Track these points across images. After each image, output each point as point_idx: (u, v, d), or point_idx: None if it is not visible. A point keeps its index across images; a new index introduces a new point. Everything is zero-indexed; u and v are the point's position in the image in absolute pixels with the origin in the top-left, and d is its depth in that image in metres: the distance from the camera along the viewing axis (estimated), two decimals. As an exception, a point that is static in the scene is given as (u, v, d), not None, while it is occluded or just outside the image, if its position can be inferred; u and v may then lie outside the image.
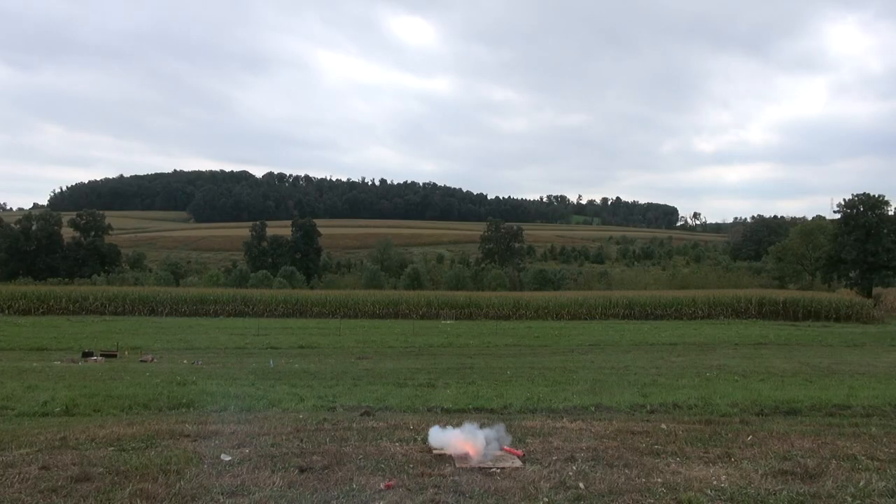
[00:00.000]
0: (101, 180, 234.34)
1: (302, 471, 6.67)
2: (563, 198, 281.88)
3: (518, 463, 6.99)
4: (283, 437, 8.34)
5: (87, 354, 21.85)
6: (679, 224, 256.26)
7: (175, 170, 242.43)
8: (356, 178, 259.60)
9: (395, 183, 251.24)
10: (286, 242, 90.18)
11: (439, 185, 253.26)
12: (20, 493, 5.93)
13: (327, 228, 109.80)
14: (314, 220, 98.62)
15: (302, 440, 8.21)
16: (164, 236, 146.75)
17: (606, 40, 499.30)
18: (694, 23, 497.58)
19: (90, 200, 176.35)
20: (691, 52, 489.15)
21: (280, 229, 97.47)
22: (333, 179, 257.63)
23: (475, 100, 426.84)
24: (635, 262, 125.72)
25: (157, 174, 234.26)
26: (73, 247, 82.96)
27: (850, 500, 5.99)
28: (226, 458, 7.15)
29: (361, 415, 10.36)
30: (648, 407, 11.33)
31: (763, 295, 52.84)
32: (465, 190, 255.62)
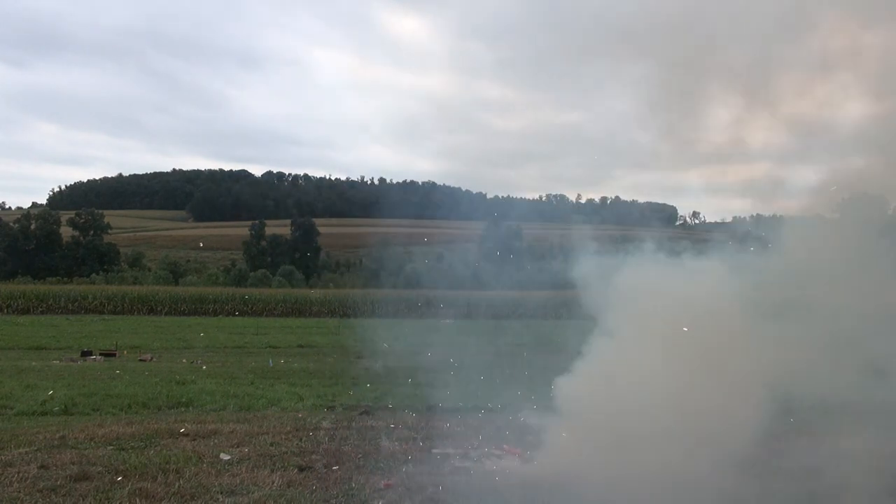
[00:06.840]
0: (99, 179, 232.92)
1: (301, 470, 6.68)
2: (562, 196, 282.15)
3: (517, 461, 7.00)
4: (283, 436, 8.34)
5: (85, 353, 21.76)
6: (678, 223, 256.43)
7: (174, 169, 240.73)
8: (355, 177, 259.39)
9: (395, 182, 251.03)
10: (285, 242, 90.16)
11: (438, 184, 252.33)
12: (19, 491, 5.93)
13: (327, 228, 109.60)
14: (313, 220, 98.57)
15: (301, 439, 8.21)
16: (163, 235, 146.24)
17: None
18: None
19: (89, 199, 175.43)
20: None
21: (279, 228, 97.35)
22: (332, 178, 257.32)
23: (472, 98, 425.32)
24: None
25: (155, 173, 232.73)
26: (71, 246, 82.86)
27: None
28: (225, 457, 7.16)
29: (360, 414, 10.37)
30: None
31: (762, 294, 52.88)
32: (464, 189, 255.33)
